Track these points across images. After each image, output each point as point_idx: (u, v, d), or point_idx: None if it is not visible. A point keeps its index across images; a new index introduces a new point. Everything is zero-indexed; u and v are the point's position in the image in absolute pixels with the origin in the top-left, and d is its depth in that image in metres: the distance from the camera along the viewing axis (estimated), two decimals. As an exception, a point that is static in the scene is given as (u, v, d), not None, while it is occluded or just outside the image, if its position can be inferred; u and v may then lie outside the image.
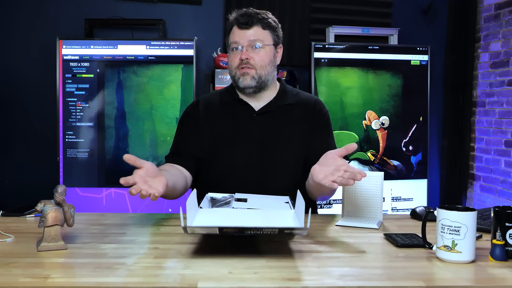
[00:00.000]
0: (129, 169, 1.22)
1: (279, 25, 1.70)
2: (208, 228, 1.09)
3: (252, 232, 1.08)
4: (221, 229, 1.07)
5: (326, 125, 1.71)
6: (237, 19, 1.63)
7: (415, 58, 3.45)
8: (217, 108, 1.72)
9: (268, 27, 1.64)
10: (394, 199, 3.42)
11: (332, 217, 1.57)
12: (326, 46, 3.34)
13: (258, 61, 1.61)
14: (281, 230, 1.08)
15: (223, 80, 3.21)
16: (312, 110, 1.71)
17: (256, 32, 1.62)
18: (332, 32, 3.46)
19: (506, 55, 3.36)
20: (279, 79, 1.75)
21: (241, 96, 1.69)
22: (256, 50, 1.61)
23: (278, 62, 1.69)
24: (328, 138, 1.70)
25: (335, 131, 1.83)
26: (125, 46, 3.16)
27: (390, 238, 1.27)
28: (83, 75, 3.15)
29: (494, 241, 1.12)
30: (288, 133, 1.63)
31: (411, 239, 1.25)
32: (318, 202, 1.79)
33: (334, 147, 1.73)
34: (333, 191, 1.48)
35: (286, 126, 1.65)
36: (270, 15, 1.68)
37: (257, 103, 1.69)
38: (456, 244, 1.08)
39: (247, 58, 1.60)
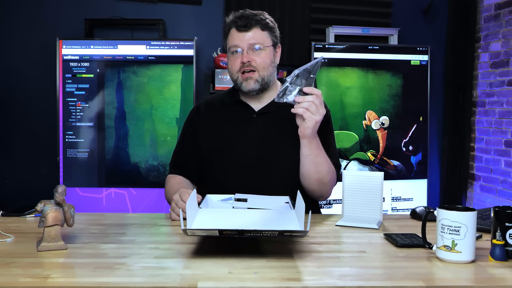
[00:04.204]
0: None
1: (276, 25, 1.70)
2: (208, 230, 1.09)
3: (252, 234, 1.08)
4: (221, 231, 1.07)
5: (326, 125, 1.71)
6: (235, 21, 1.63)
7: (415, 58, 3.45)
8: (217, 110, 1.74)
9: (267, 28, 1.65)
10: (394, 199, 3.42)
11: (332, 217, 1.57)
12: (326, 46, 3.34)
13: (260, 63, 1.62)
14: (281, 232, 1.08)
15: (223, 80, 3.21)
16: None
17: (255, 34, 1.62)
18: (332, 32, 3.46)
19: (506, 55, 3.36)
20: (279, 79, 1.75)
21: (242, 97, 1.71)
22: (257, 52, 1.62)
23: (277, 62, 1.70)
24: (328, 136, 1.71)
25: (335, 131, 1.84)
26: (125, 46, 3.16)
27: (390, 238, 1.27)
28: (83, 75, 3.15)
29: (494, 241, 1.12)
30: (288, 134, 1.63)
31: (411, 239, 1.25)
32: (319, 202, 1.79)
33: (334, 145, 1.74)
34: (317, 170, 1.56)
35: (286, 127, 1.65)
36: (267, 15, 1.68)
37: (258, 104, 1.70)
38: (456, 244, 1.08)
39: (248, 61, 1.60)
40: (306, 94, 1.46)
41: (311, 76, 1.45)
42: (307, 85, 1.46)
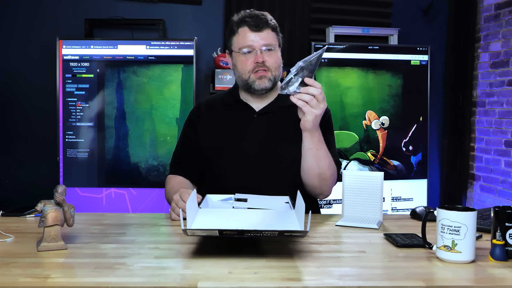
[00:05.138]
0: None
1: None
2: (208, 230, 1.09)
3: (252, 234, 1.08)
4: (221, 231, 1.07)
5: (326, 124, 1.70)
6: (246, 21, 1.62)
7: (415, 58, 3.45)
8: (218, 110, 1.74)
9: (275, 29, 1.66)
10: (394, 199, 3.42)
11: (332, 217, 1.57)
12: (326, 46, 3.33)
13: (272, 63, 1.63)
14: (281, 232, 1.08)
15: (223, 80, 3.21)
16: None
17: (268, 35, 1.63)
18: (332, 32, 3.46)
19: (506, 55, 3.36)
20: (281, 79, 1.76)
21: (243, 97, 1.70)
22: (269, 53, 1.62)
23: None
24: (329, 136, 1.70)
25: (335, 131, 1.83)
26: (125, 46, 3.16)
27: (390, 238, 1.27)
28: (83, 75, 3.15)
29: (494, 241, 1.12)
30: (288, 134, 1.64)
31: (411, 239, 1.24)
32: (319, 202, 1.79)
33: (334, 146, 1.73)
34: (318, 165, 1.56)
35: (286, 127, 1.65)
36: (271, 16, 1.69)
37: (258, 104, 1.69)
38: (456, 244, 1.08)
39: (263, 61, 1.61)
40: (307, 85, 1.46)
41: (314, 66, 1.45)
42: (309, 76, 1.46)
